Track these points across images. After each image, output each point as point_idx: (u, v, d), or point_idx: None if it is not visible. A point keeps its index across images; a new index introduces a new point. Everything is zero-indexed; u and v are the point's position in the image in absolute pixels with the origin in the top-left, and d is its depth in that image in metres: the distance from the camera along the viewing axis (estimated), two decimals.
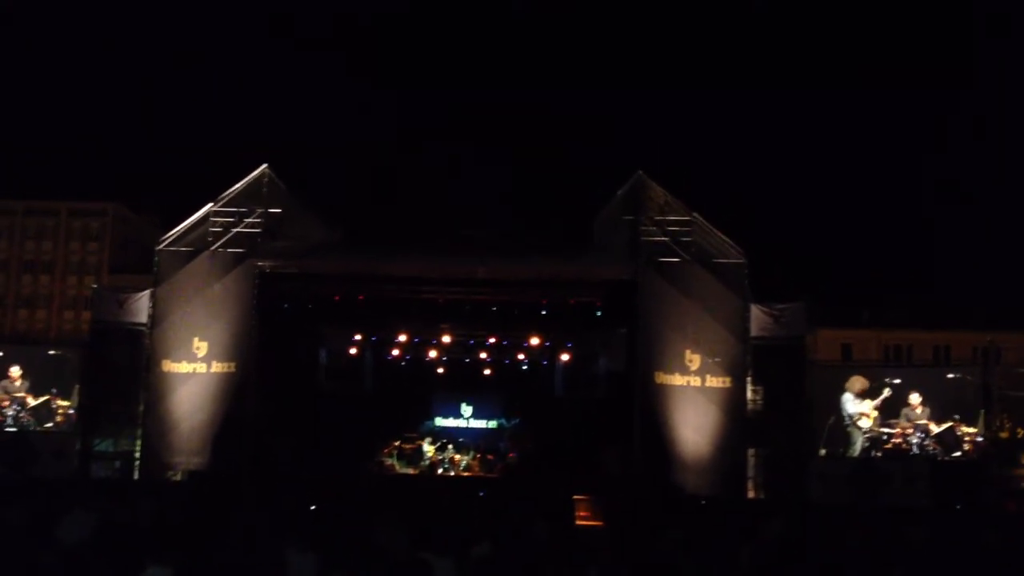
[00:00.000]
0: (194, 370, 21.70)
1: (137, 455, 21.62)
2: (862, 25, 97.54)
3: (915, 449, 21.36)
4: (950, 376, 22.44)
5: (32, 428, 22.30)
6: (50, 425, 22.39)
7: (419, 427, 28.48)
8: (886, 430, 21.52)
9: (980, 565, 9.00)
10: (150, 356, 21.82)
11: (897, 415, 21.53)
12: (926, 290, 52.45)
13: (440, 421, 29.77)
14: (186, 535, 8.44)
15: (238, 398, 21.46)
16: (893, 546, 9.90)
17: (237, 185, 22.24)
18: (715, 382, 21.30)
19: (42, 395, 22.45)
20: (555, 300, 23.25)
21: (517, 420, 29.32)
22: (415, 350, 28.06)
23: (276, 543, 8.00)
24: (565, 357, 28.03)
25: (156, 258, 22.30)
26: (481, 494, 20.34)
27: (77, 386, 22.37)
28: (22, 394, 22.47)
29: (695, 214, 21.92)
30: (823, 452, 21.64)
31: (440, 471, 25.70)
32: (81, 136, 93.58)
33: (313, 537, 7.99)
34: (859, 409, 21.59)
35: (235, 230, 22.13)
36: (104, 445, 22.12)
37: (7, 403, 22.40)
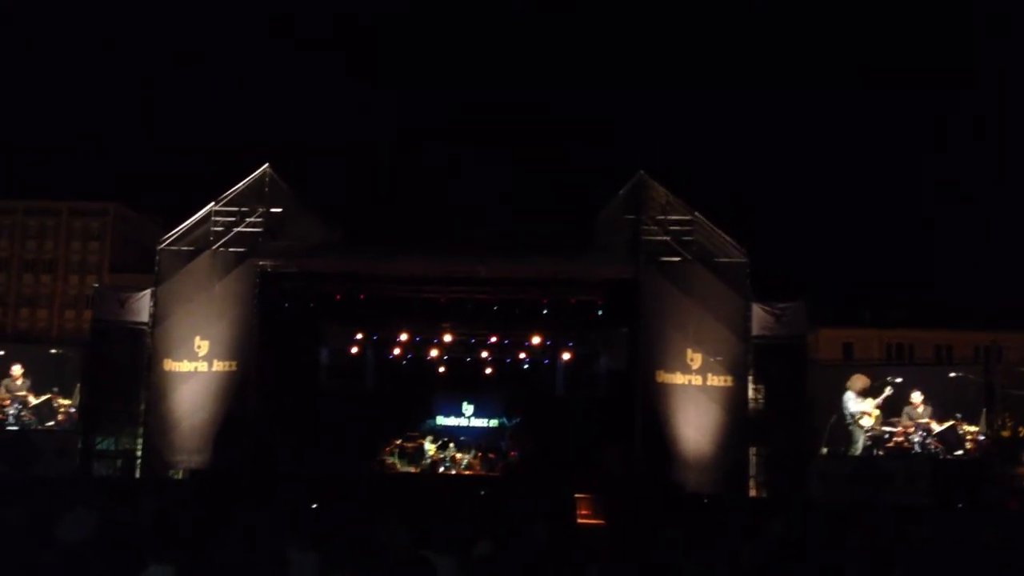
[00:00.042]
0: (195, 369, 21.71)
1: (138, 454, 21.66)
2: (862, 25, 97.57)
3: (917, 448, 21.35)
4: (952, 375, 22.41)
5: (34, 427, 22.34)
6: (52, 424, 22.43)
7: (420, 426, 28.52)
8: (888, 429, 21.52)
9: (982, 564, 8.99)
10: (151, 355, 21.84)
11: (899, 414, 21.53)
12: (928, 289, 52.48)
13: (441, 420, 29.81)
14: (187, 534, 8.44)
15: (239, 397, 21.47)
16: (895, 545, 9.90)
17: (238, 184, 22.26)
18: (716, 381, 21.29)
19: (44, 394, 22.48)
20: (556, 299, 23.23)
21: (518, 419, 29.34)
22: (416, 349, 28.06)
23: (277, 542, 8.00)
24: (566, 356, 28.03)
25: (157, 257, 22.32)
26: (482, 493, 20.34)
27: (78, 385, 22.41)
28: (24, 393, 22.51)
29: (696, 213, 21.90)
30: (824, 451, 21.64)
31: (441, 470, 25.74)
32: (82, 136, 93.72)
33: (314, 536, 7.99)
34: (861, 408, 21.59)
35: (236, 229, 22.15)
36: (105, 444, 22.14)
37: (9, 402, 22.45)
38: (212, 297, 21.93)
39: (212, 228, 22.10)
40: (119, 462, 22.03)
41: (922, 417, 21.42)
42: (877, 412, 21.56)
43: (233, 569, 7.54)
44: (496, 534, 8.59)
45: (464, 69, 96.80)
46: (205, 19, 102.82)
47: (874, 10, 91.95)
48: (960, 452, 21.25)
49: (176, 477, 21.10)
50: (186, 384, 21.63)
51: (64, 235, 63.48)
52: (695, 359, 21.33)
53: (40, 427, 22.36)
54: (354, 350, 27.96)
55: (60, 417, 22.45)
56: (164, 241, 22.39)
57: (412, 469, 25.66)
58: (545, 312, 23.75)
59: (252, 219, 22.21)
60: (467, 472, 25.63)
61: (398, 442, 26.64)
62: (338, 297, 23.59)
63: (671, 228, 21.87)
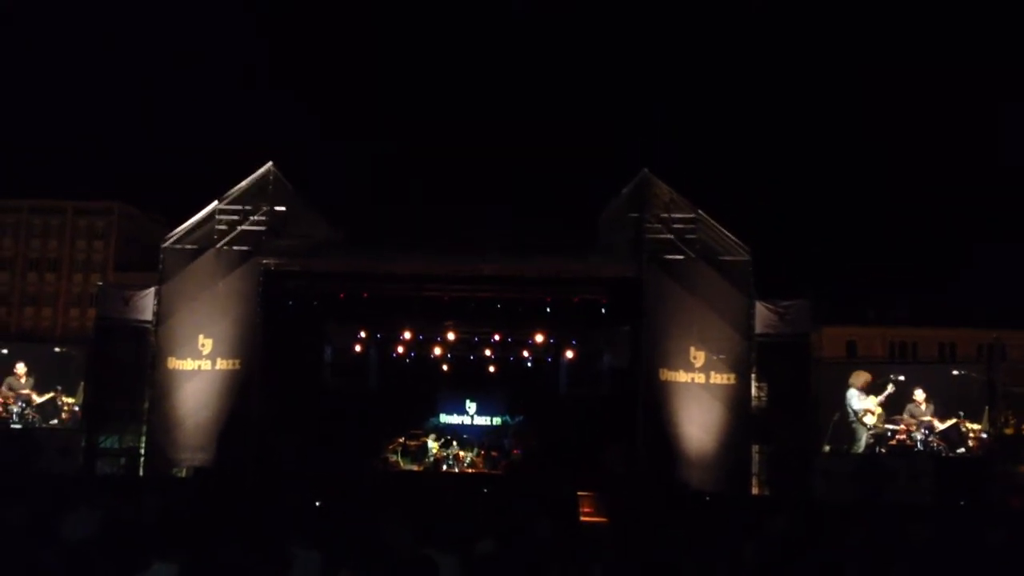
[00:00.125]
0: (199, 367, 21.74)
1: (142, 452, 21.67)
2: (862, 24, 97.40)
3: (919, 446, 21.35)
4: (955, 373, 22.43)
5: (37, 425, 22.42)
6: (55, 422, 22.50)
7: (423, 424, 28.56)
8: (891, 427, 21.52)
9: (984, 562, 8.98)
10: (155, 353, 21.87)
11: (902, 412, 21.53)
12: (931, 287, 52.41)
13: (444, 418, 29.87)
14: (191, 532, 8.46)
15: (243, 395, 21.50)
16: (897, 543, 9.90)
17: (242, 183, 22.28)
18: (720, 379, 21.29)
19: (47, 392, 22.56)
20: (559, 297, 23.23)
21: (521, 417, 29.38)
22: (419, 347, 28.10)
23: (281, 539, 8.01)
24: (569, 354, 28.04)
25: (161, 256, 22.36)
26: (485, 491, 20.35)
27: (82, 383, 22.49)
28: (27, 391, 22.59)
29: (700, 211, 21.89)
30: (827, 449, 21.64)
31: (444, 468, 25.74)
32: (86, 136, 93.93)
33: (318, 533, 8.00)
34: (864, 405, 21.59)
35: (240, 228, 22.17)
36: (109, 442, 22.17)
37: (13, 400, 22.52)
38: (216, 295, 21.95)
39: (216, 226, 22.13)
40: (123, 460, 22.05)
41: (925, 415, 21.43)
42: (880, 410, 21.56)
43: (237, 567, 7.54)
44: (499, 532, 8.60)
45: (465, 69, 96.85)
46: (205, 19, 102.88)
47: (873, 9, 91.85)
48: (963, 450, 21.25)
49: (180, 475, 21.12)
50: (190, 382, 21.65)
51: (68, 234, 63.63)
52: (698, 357, 21.33)
53: (44, 425, 22.43)
54: (357, 348, 27.99)
55: (64, 415, 22.53)
56: (168, 239, 22.42)
57: (415, 467, 25.66)
58: (548, 310, 23.75)
59: (256, 217, 22.24)
60: (470, 470, 25.63)
61: (401, 440, 26.65)
62: (341, 295, 23.61)
63: (675, 226, 21.85)
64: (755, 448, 21.28)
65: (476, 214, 24.33)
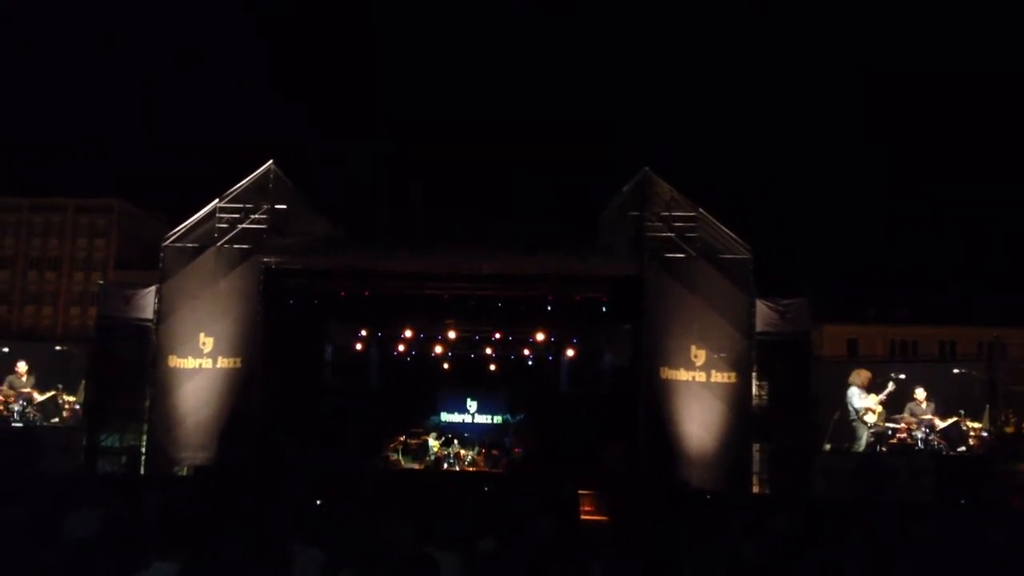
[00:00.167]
0: (200, 366, 21.73)
1: (143, 450, 21.66)
2: (862, 24, 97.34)
3: (920, 444, 21.35)
4: (955, 371, 22.41)
5: (39, 423, 22.43)
6: (56, 420, 22.52)
7: (424, 422, 28.56)
8: (891, 425, 21.52)
9: (984, 561, 8.99)
10: (156, 352, 21.86)
11: (902, 410, 21.54)
12: (931, 286, 52.35)
13: (445, 416, 29.88)
14: (192, 530, 8.46)
15: (244, 394, 21.50)
16: (897, 541, 9.90)
17: (243, 181, 22.27)
18: (720, 377, 21.28)
19: (48, 391, 22.58)
20: (560, 296, 23.23)
21: (522, 416, 29.39)
22: (420, 346, 28.11)
23: (282, 538, 8.02)
24: (570, 353, 28.05)
25: (162, 254, 22.35)
26: (486, 489, 20.35)
27: (83, 382, 22.50)
28: (28, 390, 22.61)
29: (701, 210, 21.87)
30: (828, 447, 21.64)
31: (445, 466, 25.76)
32: (87, 134, 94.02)
33: (319, 532, 8.01)
34: (865, 404, 21.60)
35: (241, 226, 22.16)
36: (110, 440, 22.19)
37: (14, 399, 22.54)
38: (217, 294, 21.95)
39: (217, 225, 22.12)
40: (124, 459, 22.06)
41: (925, 414, 21.43)
42: (881, 408, 21.57)
43: (238, 565, 7.56)
44: (500, 531, 8.61)
45: (464, 69, 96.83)
46: (205, 19, 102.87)
47: (872, 8, 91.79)
48: (963, 449, 21.25)
49: (181, 474, 21.13)
50: (191, 381, 21.65)
51: (69, 232, 63.58)
52: (699, 355, 21.32)
53: (45, 424, 22.45)
54: (358, 347, 28.01)
55: (65, 414, 22.54)
56: (169, 238, 22.41)
57: (416, 466, 25.68)
58: (549, 309, 23.77)
59: (257, 216, 22.22)
60: (471, 469, 25.65)
61: (402, 439, 26.66)
62: (342, 294, 23.62)
63: (675, 224, 21.83)
64: (756, 447, 21.28)
65: (477, 213, 24.34)
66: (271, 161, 22.46)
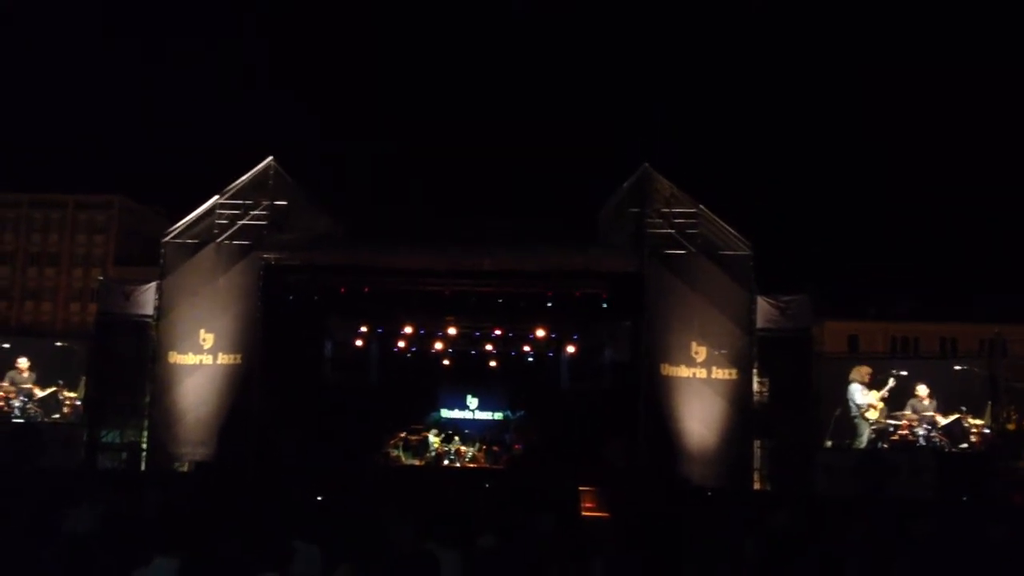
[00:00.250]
0: (200, 362, 21.72)
1: (143, 446, 21.66)
2: (862, 24, 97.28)
3: (921, 441, 21.35)
4: (957, 368, 22.39)
5: (39, 419, 22.44)
6: (57, 416, 22.54)
7: (425, 419, 28.55)
8: (892, 422, 21.52)
9: (985, 558, 8.98)
10: (156, 348, 21.85)
11: (904, 407, 21.53)
12: (932, 282, 52.35)
13: (446, 413, 29.87)
14: (192, 526, 8.45)
15: (244, 390, 21.49)
16: (898, 538, 9.89)
17: (243, 177, 22.25)
18: (721, 374, 21.27)
19: (49, 387, 22.61)
20: (561, 292, 23.21)
21: (522, 412, 29.38)
22: (421, 342, 28.08)
23: (282, 534, 8.01)
24: (571, 349, 28.01)
25: (162, 250, 22.33)
26: (486, 486, 20.35)
27: (84, 378, 22.53)
28: (29, 385, 22.63)
29: (701, 206, 21.85)
30: (829, 444, 21.63)
31: (446, 463, 25.76)
32: (87, 131, 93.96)
33: (318, 528, 8.00)
34: (866, 400, 21.59)
35: (241, 222, 22.14)
36: (111, 436, 22.19)
37: (14, 394, 22.55)
38: (216, 290, 21.94)
39: (216, 221, 22.09)
40: (124, 455, 22.06)
41: (927, 410, 21.42)
42: (882, 405, 21.56)
43: (237, 562, 7.54)
44: (500, 527, 8.60)
45: (464, 69, 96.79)
46: (205, 19, 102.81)
47: (873, 9, 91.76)
48: (965, 445, 21.24)
49: (181, 470, 21.13)
50: (191, 377, 21.64)
51: (69, 228, 63.58)
52: (700, 352, 21.30)
53: (45, 420, 22.47)
54: (358, 343, 27.98)
55: (65, 410, 22.56)
56: (169, 234, 22.38)
57: (416, 462, 25.68)
58: (549, 305, 23.75)
59: (256, 212, 22.20)
60: (471, 465, 25.65)
61: (402, 435, 26.65)
62: (342, 290, 23.60)
63: (675, 221, 21.81)
64: (756, 443, 21.27)
65: (477, 211, 24.32)
66: (271, 158, 22.43)
